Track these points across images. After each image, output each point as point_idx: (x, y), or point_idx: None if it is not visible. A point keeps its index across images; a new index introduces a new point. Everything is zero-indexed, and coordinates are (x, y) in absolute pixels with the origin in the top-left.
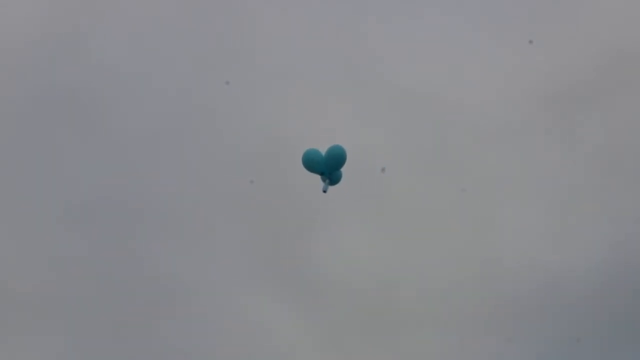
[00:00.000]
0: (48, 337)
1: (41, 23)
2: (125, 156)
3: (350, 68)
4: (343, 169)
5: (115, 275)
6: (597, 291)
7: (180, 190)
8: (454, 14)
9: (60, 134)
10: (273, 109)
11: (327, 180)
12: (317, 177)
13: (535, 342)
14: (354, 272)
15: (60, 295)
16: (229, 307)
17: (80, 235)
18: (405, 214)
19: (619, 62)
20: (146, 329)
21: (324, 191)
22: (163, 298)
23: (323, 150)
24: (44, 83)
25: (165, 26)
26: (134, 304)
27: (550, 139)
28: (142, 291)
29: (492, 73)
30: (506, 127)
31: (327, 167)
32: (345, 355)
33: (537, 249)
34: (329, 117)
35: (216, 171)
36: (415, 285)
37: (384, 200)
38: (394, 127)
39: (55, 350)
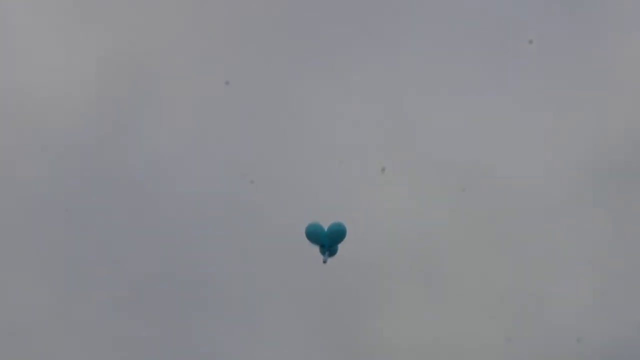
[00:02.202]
0: None
1: (89, 105)
2: (177, 234)
3: (397, 146)
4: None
5: (174, 354)
6: None
7: (234, 266)
8: (495, 87)
9: (112, 214)
10: (322, 188)
11: (327, 253)
12: (380, 260)
13: None
14: (414, 351)
15: None
16: None
17: (136, 315)
18: (462, 292)
19: None
20: None
21: (324, 262)
22: None
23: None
24: (91, 164)
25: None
26: None
27: (602, 212)
28: None
29: (539, 146)
30: (557, 201)
31: (329, 240)
32: None
33: (589, 325)
34: (382, 197)
35: (270, 248)
36: (470, 356)
37: (438, 278)
38: (445, 207)
39: None
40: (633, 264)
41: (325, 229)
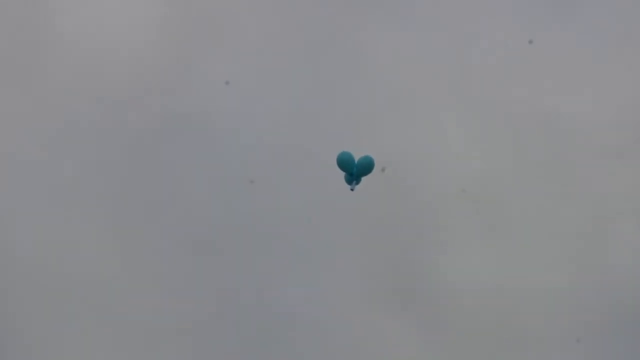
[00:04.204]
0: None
1: (152, 53)
2: (239, 177)
3: (460, 89)
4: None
5: (234, 302)
6: None
7: (294, 209)
8: (568, 30)
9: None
10: (391, 127)
11: (355, 182)
12: (443, 194)
13: None
14: (473, 289)
15: (192, 322)
16: (348, 328)
17: (201, 265)
18: (522, 231)
19: None
20: (268, 356)
21: (352, 190)
22: (281, 324)
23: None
24: (154, 110)
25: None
26: (254, 331)
27: None
28: (261, 318)
29: (603, 87)
30: (621, 142)
31: (358, 171)
32: None
33: None
34: (443, 136)
35: (330, 187)
36: (533, 301)
37: (500, 217)
38: (507, 146)
39: None
40: None
41: (356, 160)
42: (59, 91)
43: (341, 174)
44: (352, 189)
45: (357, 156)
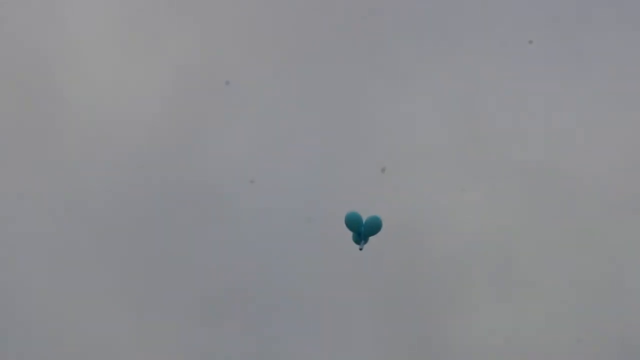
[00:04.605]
0: None
1: (159, 121)
2: (256, 245)
3: (472, 145)
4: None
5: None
6: None
7: (307, 273)
8: (579, 86)
9: (187, 228)
10: (401, 191)
11: (363, 242)
12: (449, 262)
13: None
14: (489, 349)
15: None
16: None
17: (215, 327)
18: (535, 289)
19: None
20: None
21: (360, 249)
22: None
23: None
24: (164, 179)
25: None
26: None
27: None
28: None
29: (607, 141)
30: (628, 196)
31: (365, 232)
32: None
33: None
34: (455, 197)
35: (344, 252)
36: (550, 357)
37: (513, 276)
38: (518, 204)
39: None
40: None
41: (364, 220)
42: (70, 158)
43: (350, 235)
44: (360, 249)
45: (365, 216)
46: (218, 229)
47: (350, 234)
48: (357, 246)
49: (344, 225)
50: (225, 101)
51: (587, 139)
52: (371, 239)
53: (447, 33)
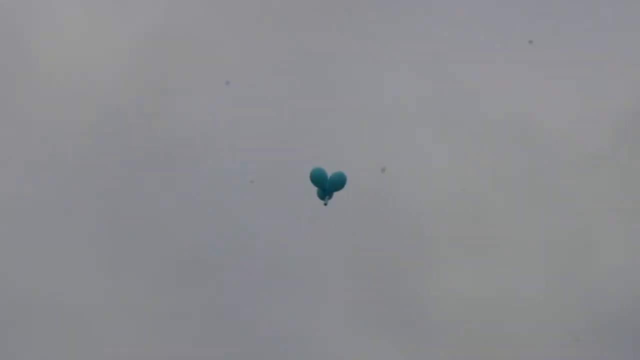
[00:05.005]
0: None
1: (131, 81)
2: (220, 205)
3: (441, 104)
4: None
5: (221, 327)
6: None
7: (280, 234)
8: (545, 41)
9: (156, 186)
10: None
11: (327, 197)
12: (429, 218)
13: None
14: (461, 307)
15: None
16: (341, 354)
17: (185, 291)
18: (505, 244)
19: None
20: None
21: (325, 204)
22: (269, 347)
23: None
24: (138, 138)
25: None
26: (241, 353)
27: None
28: (252, 343)
29: (574, 98)
30: (592, 150)
31: (330, 188)
32: None
33: (632, 276)
34: (425, 154)
35: (312, 212)
36: (520, 315)
37: (483, 231)
38: (487, 159)
39: None
40: None
41: (328, 176)
42: (42, 121)
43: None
44: (325, 204)
45: (330, 172)
46: (186, 189)
47: (315, 190)
48: (322, 202)
49: (313, 186)
50: (194, 61)
51: (555, 95)
52: (344, 198)
53: None
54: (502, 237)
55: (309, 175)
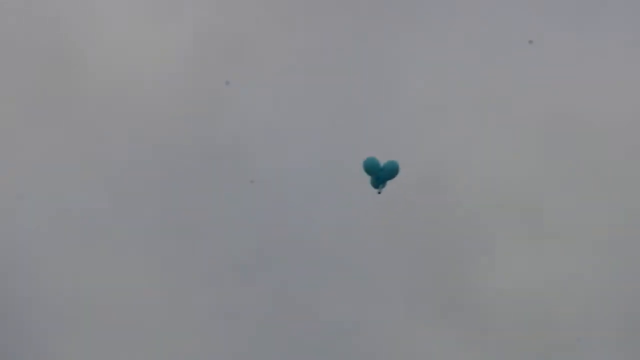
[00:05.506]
0: None
1: (191, 80)
2: (280, 202)
3: (497, 98)
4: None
5: (281, 321)
6: None
7: (335, 226)
8: (595, 32)
9: (212, 185)
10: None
11: (381, 185)
12: (479, 208)
13: None
14: (517, 298)
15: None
16: (395, 344)
17: (247, 285)
18: (564, 234)
19: None
20: None
21: (379, 192)
22: (328, 341)
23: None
24: (197, 136)
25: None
26: (302, 350)
27: None
28: (308, 335)
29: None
30: None
31: (383, 176)
32: None
33: None
34: (482, 146)
35: (369, 204)
36: (576, 307)
37: (540, 227)
38: (544, 151)
39: None
40: None
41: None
42: (93, 124)
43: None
44: (379, 192)
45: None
46: (241, 188)
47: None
48: (376, 190)
49: (367, 177)
50: (245, 60)
51: (611, 87)
52: (402, 192)
53: None
54: (563, 228)
55: (362, 165)
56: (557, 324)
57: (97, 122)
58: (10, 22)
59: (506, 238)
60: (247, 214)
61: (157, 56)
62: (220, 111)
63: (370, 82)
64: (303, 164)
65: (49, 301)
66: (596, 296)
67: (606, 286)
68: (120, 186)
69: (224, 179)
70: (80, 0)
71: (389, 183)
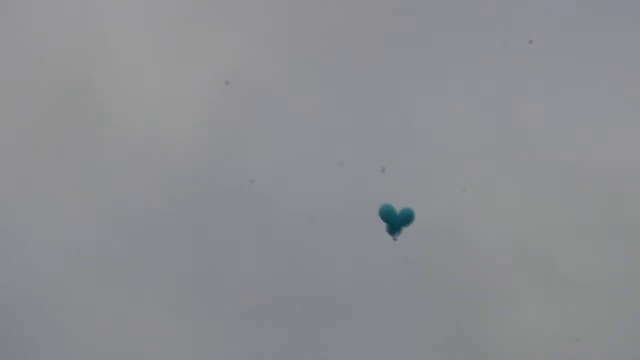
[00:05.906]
0: None
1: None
2: (296, 247)
3: (510, 145)
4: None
5: None
6: None
7: (350, 275)
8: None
9: (231, 230)
10: (441, 190)
11: (397, 232)
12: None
13: None
14: (532, 349)
15: None
16: None
17: (262, 331)
18: (579, 287)
19: None
20: None
21: (395, 239)
22: None
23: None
24: (215, 179)
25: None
26: None
27: None
28: None
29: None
30: None
31: (399, 223)
32: None
33: None
34: (497, 196)
35: (384, 250)
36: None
37: (554, 276)
38: (559, 203)
39: None
40: None
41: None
42: (110, 166)
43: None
44: (394, 239)
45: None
46: (259, 233)
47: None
48: (392, 237)
49: (382, 226)
50: (265, 107)
51: (629, 136)
52: (414, 242)
53: (480, 32)
54: (576, 280)
55: (378, 212)
56: None
57: (112, 164)
58: (26, 60)
59: (521, 288)
60: (262, 260)
61: (175, 96)
62: (238, 154)
63: (389, 129)
64: (320, 211)
65: (59, 349)
66: (612, 348)
67: (622, 338)
68: (135, 229)
69: (240, 223)
70: (98, 39)
71: (405, 231)
